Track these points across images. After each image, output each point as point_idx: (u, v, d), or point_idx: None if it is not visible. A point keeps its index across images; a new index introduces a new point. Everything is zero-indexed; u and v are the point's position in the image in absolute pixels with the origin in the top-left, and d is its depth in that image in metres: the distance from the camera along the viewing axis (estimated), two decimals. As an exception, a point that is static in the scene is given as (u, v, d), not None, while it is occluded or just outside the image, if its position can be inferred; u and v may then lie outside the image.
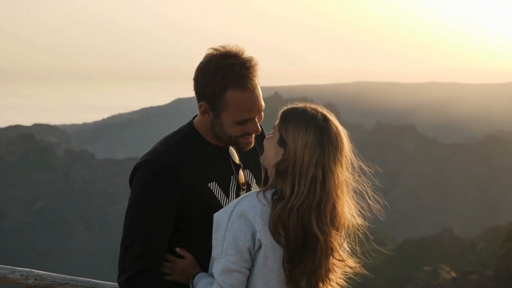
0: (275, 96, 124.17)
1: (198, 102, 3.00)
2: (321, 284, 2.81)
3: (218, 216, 2.81)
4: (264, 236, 2.73)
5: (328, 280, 2.82)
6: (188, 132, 3.07)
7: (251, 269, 2.78)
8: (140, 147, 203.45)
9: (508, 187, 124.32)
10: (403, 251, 68.26)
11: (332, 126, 2.80)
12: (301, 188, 2.74)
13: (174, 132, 3.12)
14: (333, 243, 2.78)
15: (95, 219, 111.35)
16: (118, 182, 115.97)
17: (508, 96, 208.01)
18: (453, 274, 59.56)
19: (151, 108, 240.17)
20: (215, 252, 2.80)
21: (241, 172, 3.11)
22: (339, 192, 2.79)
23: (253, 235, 2.74)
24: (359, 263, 2.89)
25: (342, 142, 2.80)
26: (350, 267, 2.86)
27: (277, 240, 2.73)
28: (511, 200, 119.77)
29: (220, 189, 3.03)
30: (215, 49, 2.94)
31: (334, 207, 2.77)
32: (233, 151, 3.10)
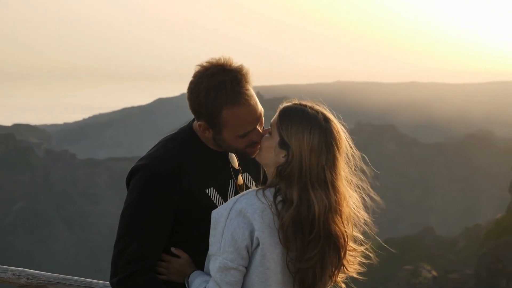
0: (256, 96, 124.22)
1: (196, 120, 2.98)
2: (331, 279, 2.86)
3: (216, 213, 2.79)
4: (262, 234, 2.73)
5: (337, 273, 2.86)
6: (187, 136, 3.04)
7: (248, 268, 2.77)
8: (122, 147, 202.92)
9: (488, 186, 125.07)
10: (384, 251, 68.52)
11: (334, 126, 2.81)
12: (317, 193, 2.74)
13: (172, 134, 3.08)
14: (348, 237, 2.82)
15: (76, 220, 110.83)
16: (99, 182, 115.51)
17: (488, 96, 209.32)
18: (434, 273, 59.83)
19: (132, 108, 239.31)
20: (212, 249, 2.79)
21: (240, 176, 3.09)
22: (343, 188, 2.81)
23: (251, 233, 2.73)
24: (368, 251, 2.95)
25: (342, 140, 2.82)
26: (359, 255, 2.91)
27: (286, 245, 2.74)
28: (491, 199, 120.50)
29: (218, 195, 3.00)
30: (203, 66, 2.90)
31: (343, 204, 2.81)
32: (232, 155, 3.08)
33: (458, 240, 74.17)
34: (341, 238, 2.78)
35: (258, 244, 2.74)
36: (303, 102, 2.85)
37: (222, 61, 2.89)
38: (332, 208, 2.75)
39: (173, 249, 2.98)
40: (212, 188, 2.99)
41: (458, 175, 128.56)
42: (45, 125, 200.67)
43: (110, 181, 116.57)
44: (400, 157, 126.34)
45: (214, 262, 2.76)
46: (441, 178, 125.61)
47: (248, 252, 2.75)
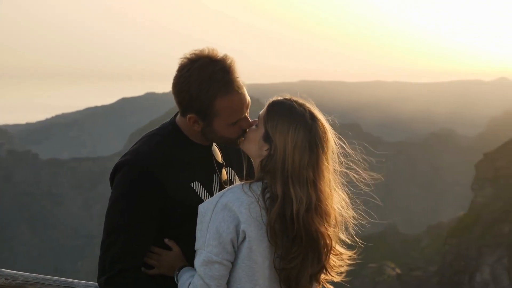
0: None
1: (184, 114, 2.94)
2: (315, 279, 2.83)
3: (202, 207, 2.77)
4: (248, 227, 2.70)
5: (321, 275, 2.83)
6: (170, 131, 3.02)
7: (234, 262, 2.74)
8: (85, 147, 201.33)
9: (451, 185, 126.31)
10: (348, 249, 68.77)
11: (320, 125, 2.79)
12: (298, 191, 2.72)
13: (155, 130, 3.05)
14: (331, 240, 2.78)
15: (39, 220, 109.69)
16: (63, 182, 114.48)
17: (450, 95, 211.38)
18: (398, 270, 60.27)
19: (96, 107, 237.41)
20: (197, 243, 2.76)
21: (223, 170, 3.08)
22: (328, 189, 2.78)
23: (237, 226, 2.70)
24: (354, 254, 2.91)
25: (328, 140, 2.81)
26: (346, 259, 2.87)
27: (273, 241, 2.71)
28: (454, 197, 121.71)
29: (203, 189, 2.99)
30: (188, 59, 2.88)
31: (327, 205, 2.78)
32: (216, 149, 3.08)
33: (422, 238, 74.81)
34: (321, 240, 2.75)
35: (244, 237, 2.71)
36: (294, 98, 2.84)
37: (208, 52, 2.88)
38: (313, 207, 2.73)
39: (166, 240, 2.95)
40: (197, 182, 2.98)
41: (421, 174, 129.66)
42: (7, 125, 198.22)
43: (73, 181, 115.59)
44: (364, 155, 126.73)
45: (198, 256, 2.74)
46: (405, 176, 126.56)
47: (233, 246, 2.72)
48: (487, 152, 58.94)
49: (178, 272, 2.89)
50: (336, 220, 2.81)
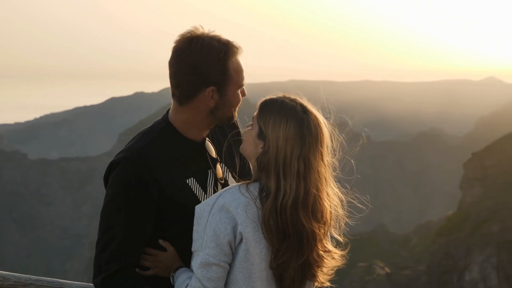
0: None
1: (198, 93, 2.92)
2: (307, 277, 2.78)
3: (199, 208, 2.75)
4: (245, 229, 2.68)
5: (314, 272, 2.78)
6: (163, 127, 3.00)
7: (231, 263, 2.72)
8: (74, 146, 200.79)
9: (439, 184, 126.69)
10: (338, 248, 68.86)
11: (312, 117, 2.77)
12: (288, 183, 2.71)
13: (148, 127, 3.04)
14: (318, 235, 2.74)
15: (27, 221, 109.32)
16: (51, 182, 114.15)
17: (438, 95, 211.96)
18: (387, 269, 60.41)
19: (85, 107, 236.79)
20: (195, 245, 2.73)
21: (218, 166, 3.06)
22: (319, 184, 2.75)
23: (234, 228, 2.68)
24: (343, 252, 2.86)
25: (322, 133, 2.78)
26: (336, 258, 2.82)
27: (269, 238, 2.69)
28: (443, 196, 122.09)
29: (198, 185, 2.97)
30: (190, 38, 2.90)
31: (315, 200, 2.74)
32: (209, 145, 3.06)
33: (411, 237, 75.00)
34: (304, 234, 2.72)
35: (241, 239, 2.69)
36: (286, 95, 2.83)
37: (201, 29, 2.93)
38: (300, 201, 2.71)
39: (161, 241, 2.93)
40: (192, 178, 2.96)
41: (410, 173, 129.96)
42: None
43: (62, 181, 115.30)
44: (353, 155, 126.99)
45: (196, 258, 2.71)
46: (394, 175, 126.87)
47: (231, 248, 2.70)
48: (476, 152, 59.15)
49: (174, 273, 2.87)
50: (326, 217, 2.76)
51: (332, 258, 2.81)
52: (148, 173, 2.86)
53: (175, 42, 2.93)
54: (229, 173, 3.10)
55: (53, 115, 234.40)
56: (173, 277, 2.87)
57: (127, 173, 2.86)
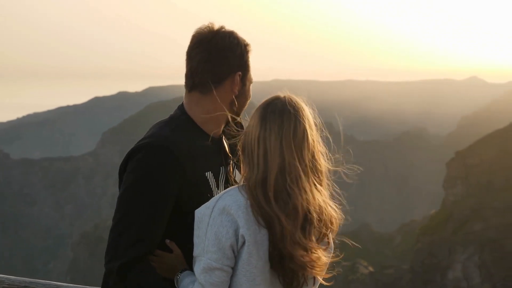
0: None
1: (225, 79, 2.93)
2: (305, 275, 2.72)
3: (199, 212, 2.69)
4: (247, 231, 2.62)
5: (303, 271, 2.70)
6: (184, 120, 2.96)
7: (234, 267, 2.66)
8: (57, 146, 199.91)
9: (423, 183, 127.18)
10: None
11: (278, 103, 2.73)
12: (251, 165, 2.69)
13: (167, 119, 2.99)
14: (285, 226, 2.64)
15: (10, 221, 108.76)
16: (34, 182, 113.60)
17: (421, 94, 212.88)
18: (371, 268, 60.58)
19: (68, 107, 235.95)
20: (196, 250, 2.67)
21: (231, 163, 3.03)
22: (288, 175, 2.66)
23: (236, 231, 2.63)
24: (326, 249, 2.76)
25: (296, 121, 2.70)
26: (321, 256, 2.73)
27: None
28: (426, 195, 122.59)
29: (214, 180, 2.95)
30: (211, 28, 2.95)
31: (279, 184, 2.66)
32: (225, 142, 3.04)
33: (394, 236, 75.25)
34: (267, 220, 2.65)
35: (244, 242, 2.63)
36: (278, 95, 2.79)
37: (216, 25, 2.99)
38: (259, 181, 2.68)
39: (167, 242, 2.87)
40: (210, 172, 2.94)
41: (393, 172, 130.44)
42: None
43: (45, 181, 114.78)
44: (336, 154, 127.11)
45: (198, 263, 2.66)
46: (377, 175, 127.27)
47: (233, 251, 2.64)
48: (459, 151, 59.41)
49: (179, 276, 2.81)
50: (298, 210, 2.66)
51: (315, 255, 2.71)
52: (175, 158, 2.80)
53: (197, 33, 2.95)
54: (236, 171, 3.07)
55: (36, 115, 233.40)
56: (177, 279, 2.81)
57: (153, 157, 2.79)
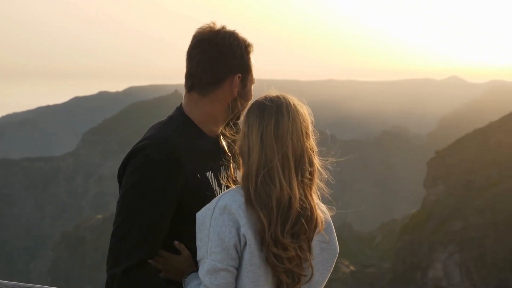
0: (175, 94, 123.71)
1: (224, 80, 2.91)
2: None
3: (200, 215, 2.65)
4: (248, 230, 2.58)
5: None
6: (183, 121, 2.93)
7: (238, 268, 2.61)
8: (37, 146, 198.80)
9: (404, 182, 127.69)
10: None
11: (260, 100, 2.73)
12: (243, 164, 2.69)
13: (165, 120, 2.97)
14: (262, 222, 2.60)
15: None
16: (14, 182, 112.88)
17: (402, 94, 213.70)
18: (352, 268, 60.74)
19: (48, 107, 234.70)
20: (200, 253, 2.63)
21: (231, 163, 3.01)
22: (271, 171, 2.63)
23: (238, 230, 2.59)
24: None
25: (278, 117, 2.68)
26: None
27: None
28: (407, 194, 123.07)
29: (215, 180, 2.91)
30: (213, 27, 2.93)
31: (263, 184, 2.63)
32: (224, 142, 3.02)
33: (375, 235, 75.50)
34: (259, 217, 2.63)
35: (246, 242, 2.59)
36: (269, 94, 2.78)
37: (218, 25, 2.97)
38: (244, 176, 2.71)
39: (176, 243, 2.82)
40: (210, 172, 2.91)
41: (374, 172, 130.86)
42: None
43: (25, 181, 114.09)
44: (318, 153, 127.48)
45: (202, 266, 2.61)
46: (358, 174, 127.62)
47: (237, 251, 2.59)
48: (439, 150, 59.69)
49: (186, 278, 2.76)
50: (272, 204, 2.62)
51: (291, 253, 2.64)
52: (175, 159, 2.77)
53: (198, 33, 2.93)
54: (237, 171, 3.04)
55: (15, 115, 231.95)
56: (184, 282, 2.76)
57: (152, 159, 2.75)
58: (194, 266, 2.78)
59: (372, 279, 57.10)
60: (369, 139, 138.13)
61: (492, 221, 48.21)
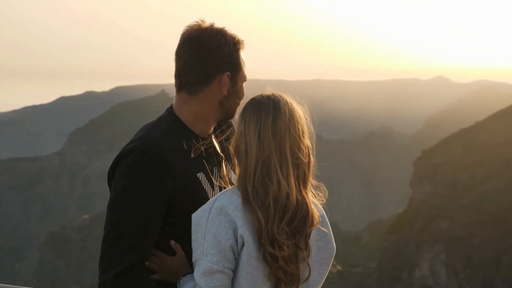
0: (161, 94, 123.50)
1: (213, 79, 2.88)
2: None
3: (196, 216, 2.62)
4: (246, 231, 2.56)
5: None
6: (172, 121, 2.90)
7: (235, 270, 2.59)
8: (23, 146, 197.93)
9: (390, 182, 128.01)
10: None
11: (257, 98, 2.73)
12: (240, 164, 2.68)
13: (154, 121, 2.93)
14: (260, 220, 2.58)
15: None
16: (0, 183, 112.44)
17: (388, 93, 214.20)
18: (339, 267, 60.82)
19: (34, 106, 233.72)
20: (195, 255, 2.60)
21: (223, 164, 2.98)
22: (266, 168, 2.62)
23: (235, 231, 2.56)
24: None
25: (275, 114, 2.68)
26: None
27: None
28: (394, 194, 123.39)
29: (207, 181, 2.88)
30: (201, 25, 2.89)
31: (261, 182, 2.61)
32: (215, 142, 2.98)
33: (362, 235, 75.67)
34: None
35: (243, 243, 2.57)
36: (264, 93, 2.77)
37: (207, 22, 2.93)
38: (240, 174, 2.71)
39: (172, 243, 2.80)
40: (201, 173, 2.87)
41: (361, 171, 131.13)
42: None
43: (11, 181, 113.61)
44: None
45: (198, 268, 2.58)
46: (345, 174, 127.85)
47: (234, 252, 2.57)
48: (425, 150, 59.86)
49: (181, 280, 2.73)
50: (270, 198, 2.60)
51: (284, 252, 2.61)
52: (164, 161, 2.74)
53: (186, 31, 2.89)
54: (232, 172, 3.03)
55: (1, 115, 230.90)
56: (179, 283, 2.74)
57: (142, 162, 2.73)
58: (189, 267, 2.75)
59: (359, 279, 57.22)
60: (356, 139, 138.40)
61: (478, 220, 48.41)
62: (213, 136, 3.00)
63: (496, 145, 53.62)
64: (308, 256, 2.69)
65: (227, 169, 3.00)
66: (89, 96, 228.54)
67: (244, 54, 2.97)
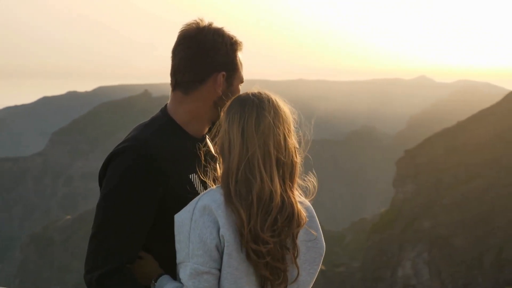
0: (144, 94, 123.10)
1: (208, 78, 2.85)
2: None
3: (179, 217, 2.59)
4: (227, 231, 2.52)
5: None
6: (165, 122, 2.87)
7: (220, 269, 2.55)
8: (5, 147, 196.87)
9: (373, 181, 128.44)
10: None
11: (241, 96, 2.71)
12: (223, 161, 2.66)
13: (148, 121, 2.89)
14: (242, 218, 2.55)
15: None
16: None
17: (370, 93, 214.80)
18: (322, 267, 60.77)
19: (16, 107, 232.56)
20: (180, 256, 2.56)
21: (217, 164, 2.91)
22: (249, 165, 2.59)
23: (218, 231, 2.53)
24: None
25: (259, 111, 2.64)
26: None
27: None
28: (377, 193, 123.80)
29: (199, 181, 2.85)
30: (198, 24, 2.87)
31: (243, 179, 2.58)
32: (209, 142, 2.95)
33: (345, 235, 75.82)
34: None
35: (224, 243, 2.53)
36: (251, 91, 2.74)
37: (205, 21, 2.91)
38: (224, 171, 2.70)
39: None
40: (194, 174, 2.84)
41: (344, 171, 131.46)
42: None
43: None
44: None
45: (184, 269, 2.54)
46: (328, 173, 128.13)
47: (219, 252, 2.53)
48: (408, 149, 60.07)
49: (155, 283, 2.69)
50: (252, 196, 2.57)
51: (266, 249, 2.57)
52: (155, 162, 2.71)
53: (183, 30, 2.87)
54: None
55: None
56: (155, 286, 2.69)
57: (133, 162, 2.70)
58: (160, 269, 2.72)
59: (342, 278, 57.32)
60: (339, 139, 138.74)
61: (460, 220, 48.65)
62: (207, 136, 2.98)
63: (479, 145, 53.89)
64: (296, 257, 2.66)
65: (220, 170, 2.95)
66: (72, 96, 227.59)
67: (242, 56, 2.94)
